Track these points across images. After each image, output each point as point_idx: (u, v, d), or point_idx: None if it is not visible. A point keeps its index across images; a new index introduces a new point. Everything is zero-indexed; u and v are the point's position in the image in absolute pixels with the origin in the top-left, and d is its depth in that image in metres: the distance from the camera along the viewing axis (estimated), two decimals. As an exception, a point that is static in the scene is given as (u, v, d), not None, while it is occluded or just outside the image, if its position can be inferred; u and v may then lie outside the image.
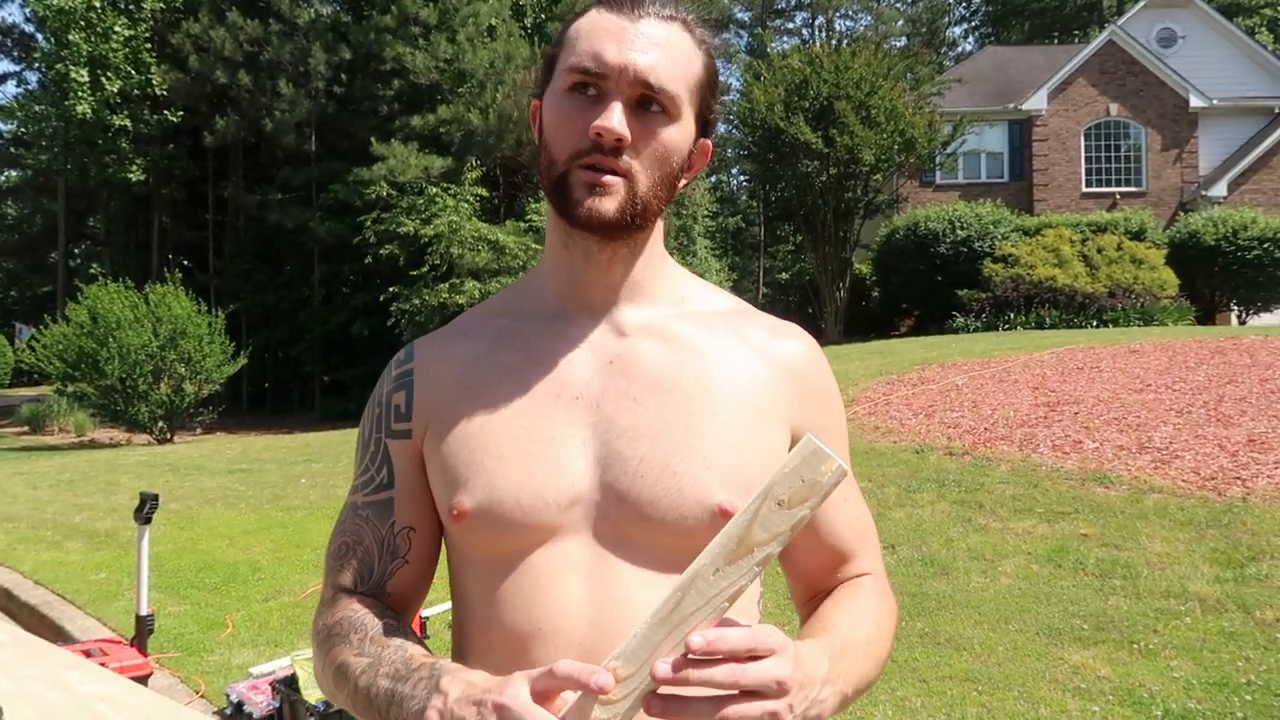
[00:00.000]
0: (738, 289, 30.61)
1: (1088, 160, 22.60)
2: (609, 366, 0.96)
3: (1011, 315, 17.98)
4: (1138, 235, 19.16)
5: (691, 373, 0.96)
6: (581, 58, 0.92)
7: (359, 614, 0.95)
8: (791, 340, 1.02)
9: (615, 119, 0.89)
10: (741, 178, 39.39)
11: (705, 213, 25.78)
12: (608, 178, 0.91)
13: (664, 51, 0.92)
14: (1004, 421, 7.39)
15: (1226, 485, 5.45)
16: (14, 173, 35.52)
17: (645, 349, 0.97)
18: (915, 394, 8.93)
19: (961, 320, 18.50)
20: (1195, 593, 4.04)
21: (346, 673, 0.91)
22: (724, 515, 0.89)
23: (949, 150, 21.92)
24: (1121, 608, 3.96)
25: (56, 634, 4.99)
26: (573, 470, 0.92)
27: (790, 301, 29.88)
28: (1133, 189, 22.43)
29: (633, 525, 0.91)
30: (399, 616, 0.97)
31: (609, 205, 0.91)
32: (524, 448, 0.93)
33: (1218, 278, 19.33)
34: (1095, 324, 17.27)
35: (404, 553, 0.99)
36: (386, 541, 0.99)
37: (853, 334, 21.16)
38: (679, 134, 0.94)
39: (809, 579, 1.04)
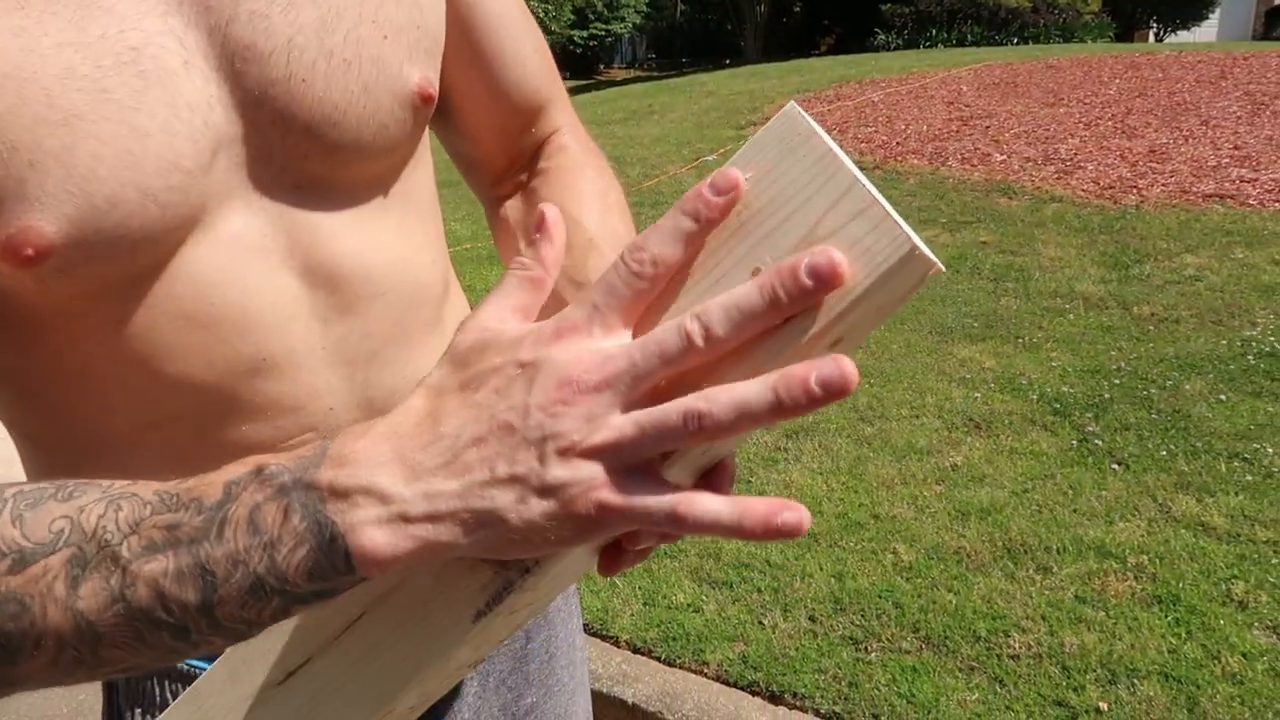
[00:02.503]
0: (655, 5, 28.87)
1: None
2: None
3: (933, 32, 17.50)
4: (1069, -55, 18.46)
5: None
6: None
7: None
8: None
9: None
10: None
11: (619, -82, 23.69)
12: None
13: None
14: (916, 136, 7.34)
15: (1123, 194, 5.58)
16: None
17: None
18: (830, 111, 8.75)
19: (883, 38, 17.96)
20: (1081, 292, 4.21)
21: (50, 599, 0.38)
22: (425, 101, 0.59)
23: None
24: (1011, 307, 4.12)
25: None
26: (193, 101, 0.51)
27: (709, 20, 28.43)
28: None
29: (313, 160, 0.56)
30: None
31: None
32: (100, 87, 0.48)
33: (1142, -7, 19.01)
34: (1016, 41, 16.96)
35: None
36: None
37: (772, 53, 20.43)
38: None
39: (491, 148, 0.72)
